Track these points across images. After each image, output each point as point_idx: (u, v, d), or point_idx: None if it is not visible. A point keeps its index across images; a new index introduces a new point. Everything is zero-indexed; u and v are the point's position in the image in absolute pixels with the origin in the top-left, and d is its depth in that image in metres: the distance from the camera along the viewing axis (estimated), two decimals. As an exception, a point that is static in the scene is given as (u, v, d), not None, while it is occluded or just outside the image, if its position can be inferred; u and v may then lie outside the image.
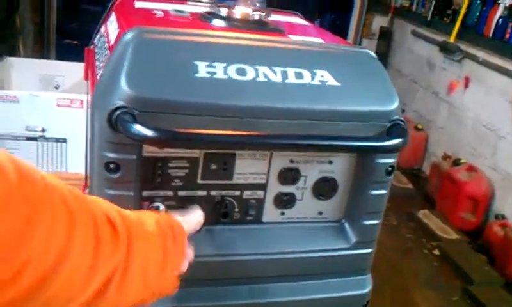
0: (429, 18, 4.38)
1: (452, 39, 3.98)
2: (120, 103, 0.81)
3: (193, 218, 0.87)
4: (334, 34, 1.21)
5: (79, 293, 0.58)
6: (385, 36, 5.01)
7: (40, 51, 4.41)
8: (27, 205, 0.51)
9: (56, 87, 3.62)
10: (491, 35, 3.63)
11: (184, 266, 0.81)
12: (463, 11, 3.87)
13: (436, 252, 3.32)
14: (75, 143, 3.00)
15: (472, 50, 3.80)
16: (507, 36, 3.46)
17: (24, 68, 3.56)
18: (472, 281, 3.01)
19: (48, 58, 4.34)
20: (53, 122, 3.04)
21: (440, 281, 3.11)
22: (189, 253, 0.83)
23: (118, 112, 0.81)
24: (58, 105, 3.01)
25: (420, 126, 4.26)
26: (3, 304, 0.50)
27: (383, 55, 4.88)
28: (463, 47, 3.90)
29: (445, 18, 4.21)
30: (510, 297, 2.91)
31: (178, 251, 0.78)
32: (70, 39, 5.13)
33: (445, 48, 4.07)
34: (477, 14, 3.79)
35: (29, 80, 3.51)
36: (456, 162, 3.68)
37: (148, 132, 0.79)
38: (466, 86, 3.86)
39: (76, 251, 0.56)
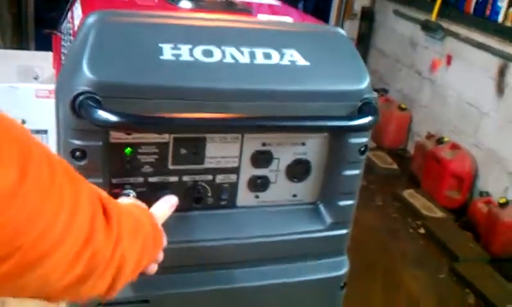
0: (410, -3, 4.37)
1: (433, 17, 3.97)
2: (83, 88, 0.79)
3: (166, 207, 0.85)
4: (316, 16, 1.19)
5: (59, 278, 0.57)
6: (367, 16, 4.99)
7: (18, 42, 4.35)
8: (36, 198, 0.50)
9: (35, 78, 3.57)
10: (472, 12, 3.63)
11: (160, 256, 0.79)
12: (444, -11, 3.86)
13: (422, 230, 3.33)
14: (55, 134, 2.97)
15: (454, 28, 3.79)
16: (488, 12, 3.46)
17: (2, 60, 3.51)
18: (458, 258, 3.03)
19: (27, 49, 4.28)
20: (33, 113, 3.00)
21: (426, 259, 3.13)
22: (164, 242, 0.81)
23: (81, 97, 0.79)
24: (37, 96, 2.97)
25: (403, 106, 4.25)
26: None
27: (366, 36, 4.87)
28: (444, 24, 3.89)
29: (427, -3, 4.20)
30: (495, 272, 2.93)
31: (156, 246, 0.76)
32: (51, 28, 5.06)
33: (427, 27, 4.06)
34: (458, -9, 3.78)
35: (7, 72, 3.46)
36: (440, 141, 3.68)
37: (113, 117, 0.77)
38: (449, 63, 3.86)
39: (70, 240, 0.55)
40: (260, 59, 0.89)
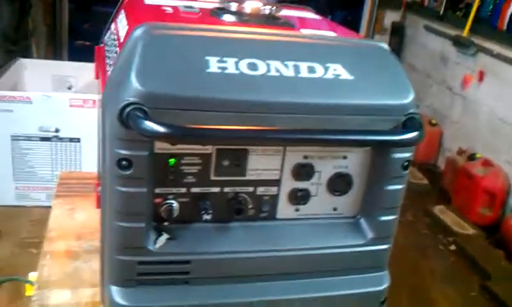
0: (441, 12, 4.34)
1: (465, 33, 3.94)
2: (131, 99, 0.80)
3: None
4: (346, 28, 1.20)
5: None
6: (397, 31, 4.97)
7: (53, 52, 4.44)
8: None
9: (69, 88, 3.64)
10: (505, 28, 3.59)
11: None
12: (476, 5, 3.83)
13: (453, 247, 3.29)
14: (89, 142, 3.02)
15: (486, 44, 3.76)
16: (522, 28, 3.42)
17: (37, 69, 3.59)
18: (490, 276, 2.98)
19: (60, 59, 4.37)
20: (66, 122, 3.06)
21: (457, 276, 3.08)
22: None
23: (128, 108, 0.80)
24: (71, 106, 3.03)
25: (434, 122, 4.22)
26: None
27: (396, 51, 4.85)
28: (476, 40, 3.85)
29: (458, 12, 4.17)
30: (528, 292, 2.88)
31: None
32: (83, 40, 5.15)
33: (459, 43, 4.03)
34: (491, 7, 3.74)
35: (42, 81, 3.54)
36: (471, 157, 3.64)
37: (160, 128, 0.78)
38: (481, 79, 3.82)
39: None
40: (304, 73, 0.89)
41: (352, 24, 5.10)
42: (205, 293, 0.94)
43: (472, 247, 3.21)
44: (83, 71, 3.52)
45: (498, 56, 3.60)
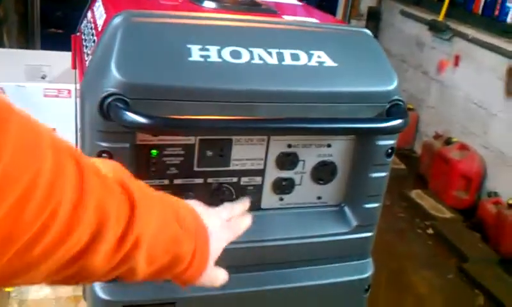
0: (417, -3, 4.36)
1: (441, 17, 3.95)
2: (111, 90, 0.78)
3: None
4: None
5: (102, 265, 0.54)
6: (374, 16, 4.98)
7: (25, 41, 4.34)
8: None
9: (43, 78, 3.56)
10: (480, 12, 3.62)
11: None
12: (451, -11, 3.85)
13: (430, 231, 3.32)
14: (65, 133, 2.96)
15: (462, 28, 3.78)
16: (497, 12, 3.45)
17: (9, 59, 3.50)
18: (467, 259, 3.02)
19: (33, 48, 4.27)
20: (41, 113, 2.99)
21: (434, 260, 3.12)
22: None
23: (109, 99, 0.78)
24: (45, 96, 2.96)
25: (410, 106, 4.24)
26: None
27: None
28: (452, 25, 3.88)
29: (434, -3, 4.19)
30: (504, 273, 2.93)
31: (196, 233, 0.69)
32: (55, 28, 5.04)
33: (434, 27, 4.05)
34: (466, -9, 3.77)
35: (14, 71, 3.45)
36: (448, 141, 3.68)
37: (142, 119, 0.76)
38: (456, 64, 3.85)
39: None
40: (288, 60, 0.88)
41: (328, 9, 5.09)
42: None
43: (449, 231, 3.25)
44: (57, 60, 3.44)
45: (474, 40, 3.63)
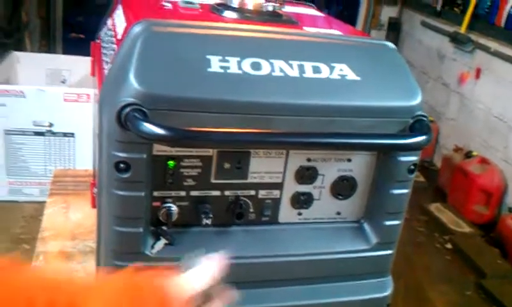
0: (438, 8, 4.31)
1: (462, 29, 3.91)
2: (130, 100, 0.77)
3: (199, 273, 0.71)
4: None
5: None
6: (394, 27, 4.95)
7: (46, 45, 4.38)
8: None
9: (63, 82, 3.59)
10: (503, 25, 3.57)
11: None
12: (473, 1, 3.80)
13: (449, 246, 3.27)
14: (83, 138, 2.98)
15: (483, 41, 3.74)
16: (520, 25, 3.40)
17: (31, 63, 3.53)
18: (485, 275, 2.97)
19: (54, 52, 4.31)
20: (60, 116, 3.01)
21: (452, 275, 3.07)
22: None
23: (127, 109, 0.77)
24: (65, 100, 2.98)
25: (430, 118, 4.20)
26: None
27: (392, 47, 4.82)
28: (473, 37, 3.83)
29: (455, 8, 4.14)
30: (524, 291, 2.87)
31: None
32: (76, 32, 5.09)
33: (456, 39, 4.01)
34: (488, 3, 3.72)
35: (35, 75, 3.48)
36: (468, 155, 3.63)
37: (160, 131, 0.75)
38: (478, 77, 3.80)
39: None
40: (309, 73, 0.86)
41: (349, 19, 5.07)
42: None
43: (468, 246, 3.20)
44: (77, 65, 3.46)
45: (496, 53, 3.58)
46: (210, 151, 0.88)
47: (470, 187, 3.45)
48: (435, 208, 3.57)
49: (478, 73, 3.80)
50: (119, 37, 0.98)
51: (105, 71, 0.93)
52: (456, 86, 4.06)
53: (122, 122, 0.77)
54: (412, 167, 0.93)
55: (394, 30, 4.93)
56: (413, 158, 0.92)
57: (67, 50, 4.23)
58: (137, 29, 0.83)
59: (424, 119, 0.89)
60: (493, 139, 3.59)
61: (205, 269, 0.71)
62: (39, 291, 0.58)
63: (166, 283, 0.66)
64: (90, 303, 0.60)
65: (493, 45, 3.63)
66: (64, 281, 0.64)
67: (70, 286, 0.63)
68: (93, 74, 1.24)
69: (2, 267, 0.59)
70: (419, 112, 0.89)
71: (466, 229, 3.38)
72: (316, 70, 0.87)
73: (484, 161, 3.51)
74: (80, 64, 3.35)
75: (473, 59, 3.88)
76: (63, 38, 4.54)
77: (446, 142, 4.15)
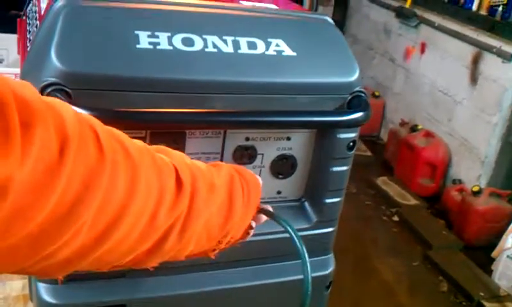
0: (384, -17, 4.34)
1: (407, 4, 3.95)
2: (51, 79, 0.72)
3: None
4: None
5: (136, 246, 0.56)
6: (341, 2, 4.95)
7: (-19, 23, 4.17)
8: (85, 172, 0.47)
9: (0, 62, 3.43)
10: (446, 0, 3.61)
11: (259, 218, 0.79)
12: (418, -24, 3.84)
13: (396, 218, 3.33)
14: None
15: (428, 15, 3.78)
16: (462, 0, 3.45)
17: (-36, 42, 3.36)
18: (431, 246, 3.04)
19: (-9, 30, 4.10)
20: (-4, 98, 2.88)
21: (400, 247, 3.13)
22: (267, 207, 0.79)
23: (48, 89, 0.71)
24: (1, 80, 2.85)
25: (377, 93, 4.24)
26: (55, 263, 0.47)
27: (339, 22, 4.83)
28: (418, 12, 3.87)
29: (401, -17, 4.18)
30: (468, 260, 2.95)
31: (248, 203, 0.74)
32: (16, 10, 4.86)
33: (401, 14, 4.04)
34: (433, -22, 3.76)
35: (-31, 55, 3.31)
36: (413, 129, 3.68)
37: (83, 112, 0.70)
38: (423, 51, 3.85)
39: (137, 205, 0.53)
40: (244, 49, 0.83)
41: (296, -5, 5.04)
42: (143, 284, 0.88)
43: (414, 218, 3.26)
44: (15, 44, 3.31)
45: (440, 28, 3.63)
46: (142, 133, 0.84)
47: (416, 160, 3.51)
48: (382, 181, 3.62)
49: (423, 47, 3.85)
50: (42, 13, 0.91)
51: (28, 49, 0.87)
52: (402, 60, 4.11)
53: (44, 103, 0.72)
54: (351, 144, 0.92)
55: (341, 5, 4.94)
56: (352, 135, 0.91)
57: (6, 29, 4.04)
58: (59, 3, 0.77)
59: (362, 95, 0.87)
60: (438, 112, 3.66)
61: None
62: None
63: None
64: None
65: (437, 19, 3.67)
66: None
67: None
68: (18, 52, 1.17)
69: None
70: (357, 88, 0.87)
71: (413, 201, 3.45)
72: (252, 45, 0.84)
73: (429, 134, 3.58)
74: (14, 42, 3.20)
75: (418, 33, 3.93)
76: (1, 15, 4.33)
77: (392, 116, 4.20)
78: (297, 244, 0.75)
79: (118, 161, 0.52)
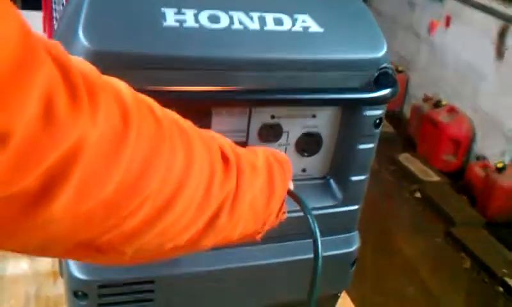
0: (408, -45, 4.26)
1: (432, -24, 3.88)
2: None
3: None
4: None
5: (195, 218, 0.56)
6: (364, -25, 4.88)
7: None
8: (148, 143, 0.48)
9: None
10: (472, -28, 3.54)
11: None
12: None
13: (418, 195, 3.32)
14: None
15: (453, -12, 3.71)
16: (489, -28, 3.37)
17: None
18: (454, 223, 3.03)
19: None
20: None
21: (422, 223, 3.12)
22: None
23: (77, 69, 0.72)
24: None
25: (400, 68, 4.19)
26: (120, 234, 0.48)
27: (362, -4, 4.76)
28: (443, -16, 3.80)
29: (425, -45, 4.09)
30: (491, 237, 2.94)
31: (285, 183, 0.77)
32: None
33: (426, -13, 3.97)
34: (458, -50, 3.68)
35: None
36: (437, 104, 3.64)
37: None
38: (447, 25, 3.79)
39: (194, 177, 0.54)
40: (270, 25, 0.82)
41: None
42: (171, 261, 0.89)
43: (437, 194, 3.25)
44: (36, 21, 3.33)
45: (465, 1, 3.56)
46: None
47: (439, 136, 3.48)
48: (404, 157, 3.60)
49: (448, 21, 3.78)
50: (68, -10, 0.92)
51: (55, 28, 0.88)
52: (426, 35, 4.05)
53: (72, 82, 0.73)
54: (378, 121, 0.91)
55: (364, -21, 4.87)
56: (379, 112, 0.90)
57: (26, 5, 4.07)
58: (86, -19, 0.77)
59: (390, 71, 0.86)
60: (462, 87, 3.61)
61: None
62: None
63: None
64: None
65: (462, -8, 3.61)
66: None
67: None
68: (44, 31, 1.18)
69: None
70: (384, 64, 0.86)
71: (435, 178, 3.43)
72: (278, 21, 0.83)
73: (452, 110, 3.54)
74: (39, 20, 3.22)
75: (443, 7, 3.86)
76: (22, -9, 4.36)
77: (416, 92, 4.16)
78: (310, 219, 0.76)
79: (173, 132, 0.54)
